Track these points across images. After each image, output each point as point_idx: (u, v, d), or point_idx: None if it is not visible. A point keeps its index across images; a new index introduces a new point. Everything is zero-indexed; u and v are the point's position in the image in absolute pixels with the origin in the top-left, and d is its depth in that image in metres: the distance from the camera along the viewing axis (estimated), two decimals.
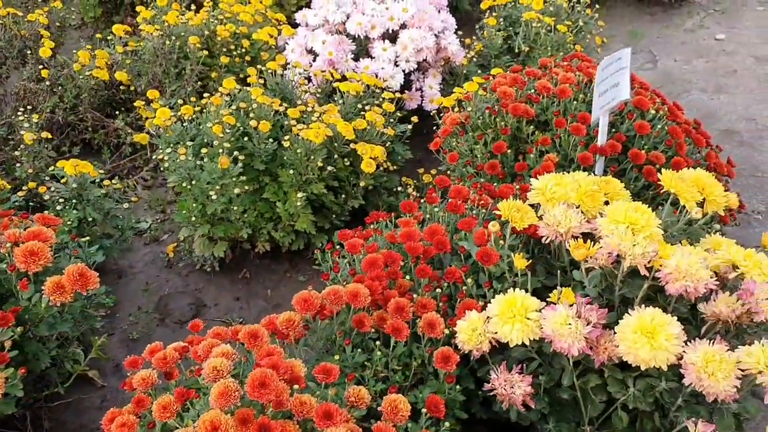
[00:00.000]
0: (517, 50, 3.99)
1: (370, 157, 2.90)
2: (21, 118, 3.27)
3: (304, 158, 2.78)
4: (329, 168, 2.82)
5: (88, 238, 2.48)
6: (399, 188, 3.06)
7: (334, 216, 2.98)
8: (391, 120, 3.20)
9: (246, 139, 2.83)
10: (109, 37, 4.01)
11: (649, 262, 1.77)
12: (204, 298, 3.00)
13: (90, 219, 2.80)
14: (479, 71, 3.88)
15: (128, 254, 3.21)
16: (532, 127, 2.74)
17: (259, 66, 3.28)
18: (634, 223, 1.81)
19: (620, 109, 2.65)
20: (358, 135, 3.01)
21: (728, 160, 2.84)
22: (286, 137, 2.77)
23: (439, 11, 3.80)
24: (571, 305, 1.71)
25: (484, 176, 2.74)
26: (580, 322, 1.67)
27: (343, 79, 3.37)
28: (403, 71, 3.58)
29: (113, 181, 3.14)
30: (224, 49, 3.69)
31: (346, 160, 2.93)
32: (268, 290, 3.00)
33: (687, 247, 1.87)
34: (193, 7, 4.06)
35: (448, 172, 2.98)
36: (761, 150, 3.77)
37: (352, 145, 2.90)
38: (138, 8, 3.86)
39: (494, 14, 4.20)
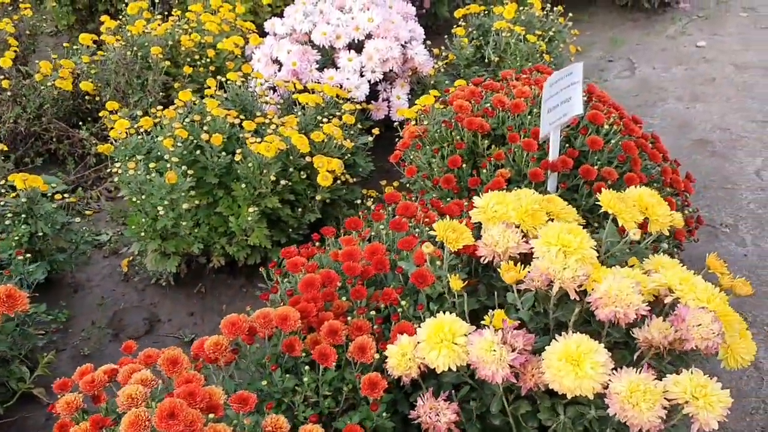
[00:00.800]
0: (487, 60, 3.94)
1: (327, 170, 2.86)
2: None
3: (257, 172, 2.74)
4: (283, 182, 2.78)
5: (29, 255, 2.44)
6: (359, 201, 3.01)
7: (290, 230, 2.93)
8: (352, 132, 3.16)
9: (199, 152, 2.79)
10: (76, 46, 3.98)
11: (580, 286, 1.73)
12: (159, 313, 2.96)
13: (41, 234, 2.76)
14: (448, 81, 3.85)
15: (86, 267, 3.18)
16: (487, 141, 2.70)
17: (219, 77, 3.24)
18: (567, 245, 1.76)
19: (574, 124, 2.61)
20: (317, 147, 2.97)
21: (687, 174, 2.79)
22: (239, 150, 2.73)
23: (406, 21, 3.76)
24: (498, 330, 1.66)
25: (439, 190, 2.70)
26: (505, 348, 1.62)
27: (306, 90, 3.33)
28: (369, 82, 3.53)
29: (71, 194, 3.11)
30: (188, 59, 3.66)
31: (302, 173, 2.89)
32: (224, 305, 2.96)
33: (624, 270, 1.83)
34: (168, 15, 4.04)
35: (408, 185, 2.94)
36: (733, 161, 3.72)
37: (308, 158, 2.86)
38: (103, 18, 3.83)
39: (467, 23, 4.17)
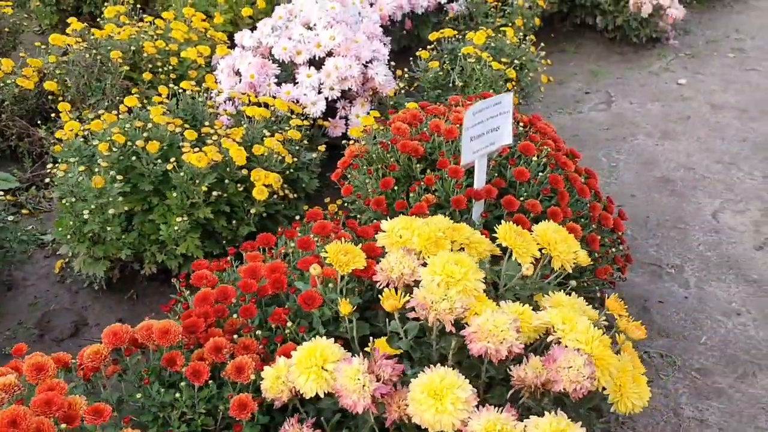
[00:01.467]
0: (452, 84, 3.93)
1: (264, 184, 2.85)
2: None
3: (189, 181, 2.74)
4: (215, 193, 2.76)
5: None
6: (299, 217, 2.99)
7: (224, 242, 2.92)
8: (297, 148, 3.15)
9: (135, 158, 2.78)
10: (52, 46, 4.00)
11: (461, 319, 1.70)
12: (88, 317, 2.95)
13: None
14: (407, 103, 3.83)
15: (25, 266, 3.17)
16: (422, 165, 2.67)
17: (171, 85, 3.24)
18: (451, 276, 1.73)
19: (504, 153, 2.58)
20: (258, 161, 2.96)
21: (619, 213, 2.75)
22: (173, 159, 2.72)
23: (371, 41, 3.76)
24: (367, 359, 1.63)
25: (372, 212, 2.67)
26: (370, 378, 1.59)
27: (258, 103, 3.32)
28: (327, 99, 3.53)
29: (26, 192, 3.11)
30: (150, 66, 3.67)
31: (240, 185, 2.88)
32: (153, 313, 2.94)
33: (511, 306, 1.80)
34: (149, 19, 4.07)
35: (347, 204, 2.92)
36: (691, 201, 3.67)
37: (244, 171, 2.85)
38: (70, 20, 3.85)
39: (439, 47, 4.17)
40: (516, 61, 4.13)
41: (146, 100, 3.32)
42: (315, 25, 3.67)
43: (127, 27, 3.85)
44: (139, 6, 4.92)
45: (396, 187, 2.66)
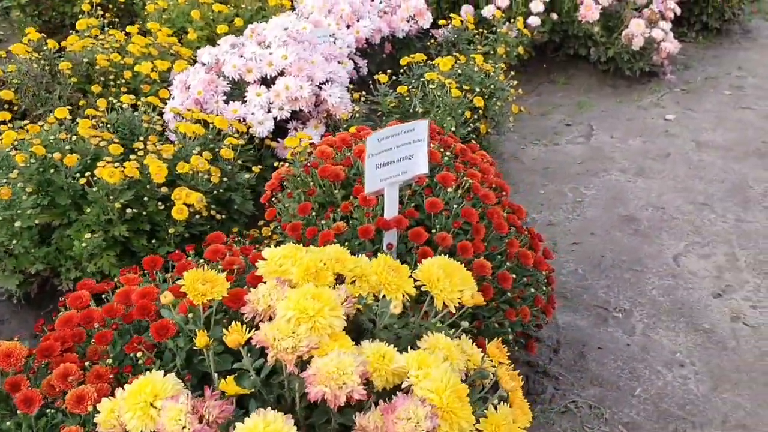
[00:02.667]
0: (412, 110, 3.81)
1: (185, 204, 2.75)
2: None
3: (104, 197, 2.65)
4: (129, 210, 2.67)
5: None
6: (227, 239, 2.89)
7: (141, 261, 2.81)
8: (231, 167, 3.05)
9: (53, 171, 2.71)
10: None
11: (308, 360, 1.57)
12: (3, 330, 2.86)
13: None
14: (369, 127, 3.73)
15: None
16: (344, 191, 2.55)
17: (110, 98, 3.18)
18: (303, 311, 1.60)
19: (421, 183, 2.45)
20: (185, 179, 2.87)
21: (544, 251, 2.59)
22: (87, 174, 2.64)
23: (329, 62, 3.67)
24: (190, 397, 1.50)
25: (289, 238, 2.56)
26: (192, 419, 1.46)
27: (198, 120, 3.24)
28: (275, 118, 3.43)
29: None
30: (102, 78, 3.62)
31: (161, 203, 2.79)
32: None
33: (372, 346, 1.66)
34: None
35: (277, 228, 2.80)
36: (654, 242, 3.49)
37: (164, 189, 2.76)
38: (28, 29, 3.83)
39: (410, 72, 4.07)
40: (484, 90, 4.01)
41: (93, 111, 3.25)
42: (269, 43, 3.59)
43: (86, 39, 3.82)
44: (117, 20, 4.91)
45: (314, 213, 2.54)
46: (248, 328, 1.63)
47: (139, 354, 1.77)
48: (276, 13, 4.88)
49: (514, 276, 2.31)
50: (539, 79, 5.64)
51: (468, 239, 2.31)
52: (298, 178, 2.69)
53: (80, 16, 4.57)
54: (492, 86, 4.00)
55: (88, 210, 2.66)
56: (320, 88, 3.54)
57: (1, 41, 5.10)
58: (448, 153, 2.60)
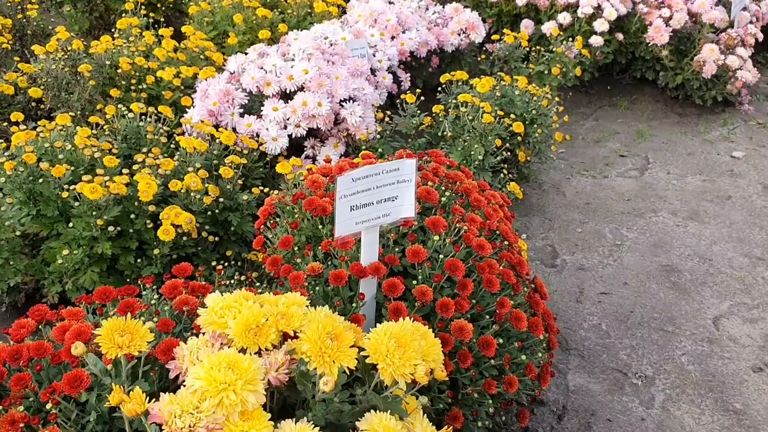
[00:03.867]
0: (441, 134, 3.57)
1: (173, 224, 2.61)
2: None
3: (88, 213, 2.54)
4: (111, 228, 2.55)
5: None
6: (215, 262, 2.74)
7: (129, 280, 2.70)
8: (228, 186, 2.89)
9: (41, 181, 2.62)
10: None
11: None
12: None
13: None
14: (395, 149, 3.51)
15: None
16: (331, 226, 2.35)
17: (120, 105, 3.08)
18: (213, 383, 1.41)
19: (406, 227, 2.21)
20: (180, 197, 2.74)
21: (544, 313, 2.30)
22: (73, 187, 2.54)
23: (355, 78, 3.47)
24: None
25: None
26: None
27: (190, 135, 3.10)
28: (290, 135, 3.26)
29: None
30: (123, 82, 3.54)
31: (150, 221, 2.66)
32: None
33: (295, 427, 1.45)
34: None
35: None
36: (693, 300, 3.13)
37: (152, 208, 2.62)
38: (58, 28, 3.79)
39: (447, 91, 3.83)
40: (525, 115, 3.73)
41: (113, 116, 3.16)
42: (293, 56, 3.43)
43: (118, 40, 3.75)
44: (163, 21, 4.86)
45: (296, 248, 2.35)
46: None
47: (48, 405, 1.62)
48: (322, 20, 4.74)
49: (500, 341, 2.05)
50: (600, 102, 5.28)
51: (450, 295, 2.07)
52: (288, 208, 2.50)
53: (123, 15, 4.54)
54: (534, 111, 3.70)
55: (70, 225, 2.56)
56: (341, 105, 3.35)
57: (50, 35, 5.12)
58: (447, 193, 2.35)
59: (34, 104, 3.73)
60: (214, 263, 2.73)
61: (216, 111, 3.27)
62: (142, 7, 4.68)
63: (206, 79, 3.60)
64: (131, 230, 2.64)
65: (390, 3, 4.92)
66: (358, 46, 4.03)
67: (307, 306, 1.83)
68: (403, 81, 4.44)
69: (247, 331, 1.63)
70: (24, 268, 2.63)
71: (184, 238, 2.67)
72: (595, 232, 3.60)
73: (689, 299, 3.13)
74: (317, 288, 2.13)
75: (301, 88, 3.30)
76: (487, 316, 2.09)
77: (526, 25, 5.17)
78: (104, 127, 3.11)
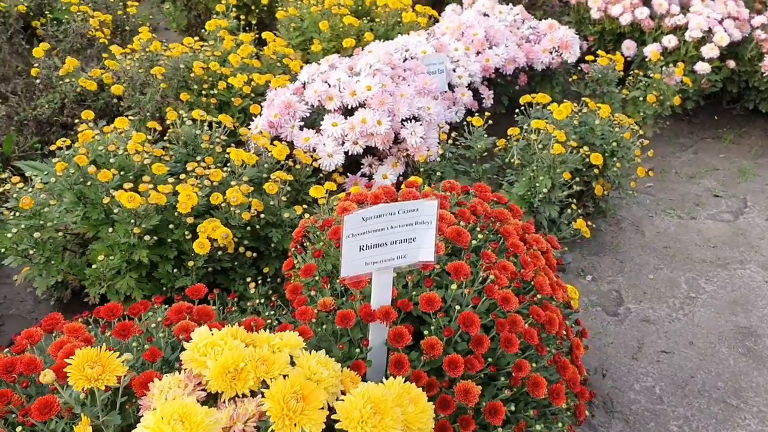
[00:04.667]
0: (508, 161, 3.38)
1: (208, 237, 2.59)
2: None
3: (128, 220, 2.56)
4: (147, 237, 2.56)
5: None
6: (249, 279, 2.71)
7: (164, 288, 2.70)
8: (272, 203, 2.83)
9: (89, 184, 2.67)
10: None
11: None
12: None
13: None
14: (457, 173, 3.36)
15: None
16: None
17: (180, 111, 3.10)
18: None
19: (426, 270, 2.07)
20: (217, 210, 2.72)
21: (576, 380, 2.08)
22: (115, 193, 2.57)
23: (422, 97, 3.34)
24: None
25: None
26: None
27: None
28: (347, 153, 3.18)
29: None
30: (195, 86, 3.58)
31: (189, 233, 2.65)
32: None
33: None
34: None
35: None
36: (765, 370, 2.79)
37: (190, 219, 2.61)
38: (141, 28, 3.89)
39: (526, 113, 3.63)
40: (606, 146, 3.47)
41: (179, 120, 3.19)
42: (359, 71, 3.34)
43: (198, 43, 3.81)
44: (254, 24, 4.92)
45: (317, 278, 2.26)
46: None
47: (18, 429, 1.61)
48: (409, 30, 4.63)
49: (512, 408, 1.88)
50: (702, 133, 4.87)
51: (465, 351, 1.91)
52: (317, 233, 2.42)
53: (214, 16, 4.62)
54: (615, 143, 3.44)
55: (110, 231, 2.59)
56: (403, 124, 3.23)
57: (155, 29, 5.32)
58: (480, 235, 2.19)
59: (115, 101, 3.85)
60: (249, 279, 2.70)
61: (276, 123, 3.23)
62: (234, 9, 4.74)
63: (276, 89, 3.58)
64: (170, 240, 2.64)
65: (485, 15, 4.75)
66: (436, 60, 3.90)
67: (303, 348, 1.75)
68: (485, 98, 4.26)
69: (224, 374, 1.56)
70: (66, 267, 2.69)
71: (219, 253, 2.65)
72: (669, 281, 3.29)
73: (763, 370, 2.79)
74: (326, 326, 2.03)
75: (363, 105, 3.21)
76: (503, 378, 1.92)
77: (628, 46, 4.85)
78: (168, 132, 3.14)
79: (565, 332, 2.31)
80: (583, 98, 3.77)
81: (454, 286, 1.96)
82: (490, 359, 1.93)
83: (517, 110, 3.68)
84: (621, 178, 3.53)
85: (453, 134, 3.55)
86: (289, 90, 3.38)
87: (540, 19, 4.90)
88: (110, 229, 2.60)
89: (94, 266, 2.60)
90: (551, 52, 4.46)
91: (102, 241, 2.68)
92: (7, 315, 2.96)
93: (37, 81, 3.76)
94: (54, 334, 1.96)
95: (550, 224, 3.31)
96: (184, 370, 1.64)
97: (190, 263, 2.62)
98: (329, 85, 3.28)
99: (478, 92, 4.26)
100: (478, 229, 2.24)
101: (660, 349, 2.88)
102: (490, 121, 3.49)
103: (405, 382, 1.86)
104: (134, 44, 3.87)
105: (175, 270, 2.67)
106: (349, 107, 3.24)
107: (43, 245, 2.61)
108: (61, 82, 3.69)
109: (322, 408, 1.49)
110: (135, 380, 1.66)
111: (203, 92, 3.58)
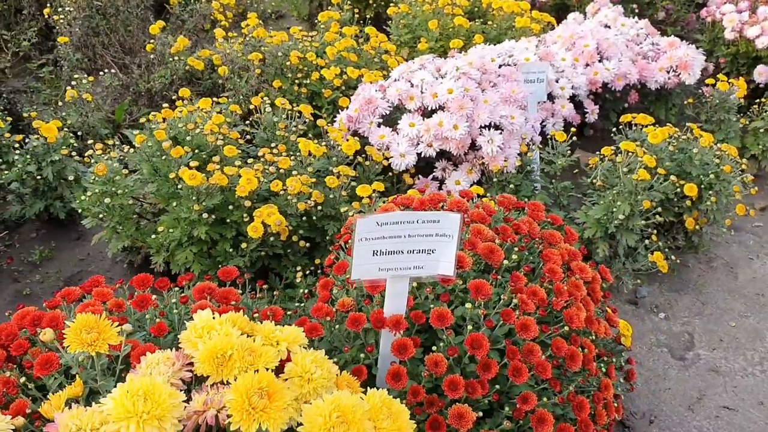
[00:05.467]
0: (590, 181, 3.21)
1: (263, 222, 2.66)
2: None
3: (190, 196, 2.67)
4: (205, 215, 2.66)
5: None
6: (299, 268, 2.75)
7: (220, 265, 2.80)
8: (332, 196, 2.85)
9: (163, 158, 2.81)
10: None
11: None
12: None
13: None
14: (532, 186, 3.24)
15: None
16: None
17: (265, 98, 3.19)
18: (123, 413, 1.38)
19: (447, 284, 2.00)
20: (277, 197, 2.78)
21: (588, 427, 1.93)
22: (181, 170, 2.68)
23: (508, 105, 3.24)
24: None
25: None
26: None
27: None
28: (419, 154, 3.15)
29: None
30: (290, 75, 3.66)
31: (247, 215, 2.73)
32: None
33: None
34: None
35: None
36: None
37: (247, 203, 2.69)
38: (250, 15, 4.02)
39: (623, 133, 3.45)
40: (703, 177, 3.21)
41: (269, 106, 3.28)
42: (445, 73, 3.29)
43: (300, 33, 3.90)
44: (369, 17, 4.96)
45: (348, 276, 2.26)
46: None
47: (8, 374, 1.72)
48: (522, 36, 4.51)
49: None
50: None
51: (469, 374, 1.84)
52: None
53: (329, 8, 4.71)
54: (712, 175, 3.17)
55: (174, 205, 2.71)
56: (481, 131, 3.14)
57: (282, 16, 5.51)
58: (514, 256, 2.09)
59: (221, 83, 4.03)
60: (299, 268, 2.74)
61: (355, 117, 3.25)
62: (351, 2, 4.82)
63: (367, 83, 3.60)
64: (229, 220, 2.73)
65: (606, 27, 4.54)
66: (536, 69, 3.76)
67: (304, 347, 1.75)
68: (589, 113, 4.07)
69: (212, 359, 1.59)
70: (135, 233, 2.84)
71: (272, 239, 2.70)
72: (753, 331, 3.00)
73: None
74: (340, 326, 2.02)
75: (442, 108, 3.16)
76: (507, 408, 1.84)
77: (761, 72, 4.46)
78: (254, 117, 3.25)
79: (604, 369, 2.17)
80: (688, 124, 3.51)
81: (468, 305, 1.89)
82: (497, 386, 1.85)
83: (615, 129, 3.50)
84: (716, 213, 3.26)
85: (546, 148, 3.43)
86: (374, 86, 3.39)
87: (672, 36, 4.60)
88: (174, 203, 2.72)
89: (153, 236, 2.74)
90: (668, 72, 4.18)
91: (169, 213, 2.82)
92: (86, 271, 3.18)
93: (152, 57, 4.00)
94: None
95: (627, 253, 3.11)
96: (180, 349, 1.70)
97: (244, 245, 2.70)
98: (412, 85, 3.25)
99: (582, 105, 4.08)
100: (517, 249, 2.14)
101: (723, 404, 2.63)
102: (590, 137, 3.33)
103: (402, 395, 1.84)
104: (244, 29, 4.03)
105: (231, 250, 2.76)
106: (429, 109, 3.20)
107: (113, 211, 2.77)
108: (171, 59, 3.90)
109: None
110: (135, 351, 1.73)
111: (296, 81, 3.66)
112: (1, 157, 3.14)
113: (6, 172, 3.07)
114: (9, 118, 3.28)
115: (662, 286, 3.25)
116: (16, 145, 3.11)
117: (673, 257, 3.22)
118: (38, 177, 3.10)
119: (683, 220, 3.29)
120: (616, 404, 2.19)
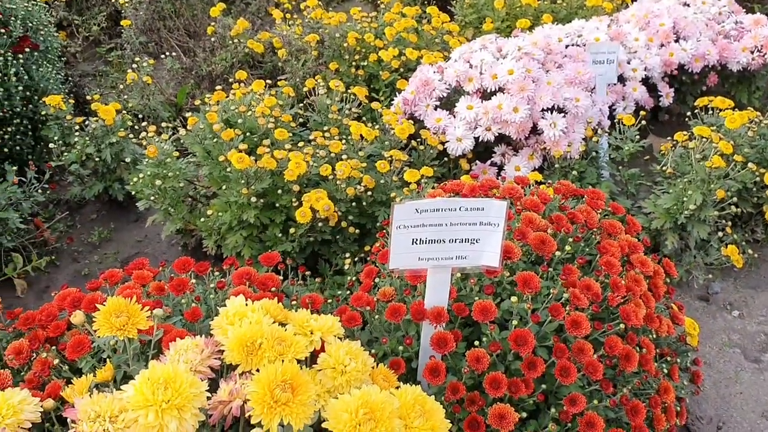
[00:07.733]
0: (660, 168, 3.01)
1: (311, 207, 2.60)
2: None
3: (239, 180, 2.64)
4: (254, 199, 2.62)
5: None
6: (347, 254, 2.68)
7: (269, 249, 2.76)
8: (383, 181, 2.76)
9: (215, 141, 2.79)
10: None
11: None
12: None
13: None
14: (602, 175, 3.07)
15: None
16: None
17: (319, 79, 3.12)
18: (141, 400, 1.35)
19: (492, 275, 1.88)
20: (326, 182, 2.71)
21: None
22: (230, 153, 2.65)
23: (572, 87, 3.07)
24: None
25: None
26: None
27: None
28: (476, 138, 3.02)
29: None
30: (347, 57, 3.59)
31: (296, 200, 2.68)
32: None
33: None
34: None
35: None
36: None
37: (295, 188, 2.63)
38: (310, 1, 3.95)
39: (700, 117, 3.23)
40: None
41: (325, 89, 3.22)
42: (506, 54, 3.14)
43: (337, 15, 3.80)
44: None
45: None
46: None
47: (56, 361, 1.72)
48: (593, 14, 4.30)
49: None
50: None
51: (514, 372, 1.73)
52: None
53: None
54: None
55: (224, 188, 2.69)
56: (543, 115, 2.99)
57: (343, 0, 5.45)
58: (567, 247, 1.95)
59: (281, 65, 3.99)
60: (347, 255, 2.67)
61: (411, 100, 3.15)
62: None
63: (426, 65, 3.49)
64: (278, 204, 2.68)
65: (685, 5, 4.27)
66: (606, 49, 3.55)
67: (340, 337, 1.68)
68: (663, 96, 3.83)
69: (241, 347, 1.53)
70: (188, 216, 2.84)
71: (321, 224, 2.64)
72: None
73: None
74: (379, 316, 1.94)
75: (502, 89, 3.02)
76: (553, 410, 1.72)
77: None
78: (308, 99, 3.20)
79: (666, 370, 2.02)
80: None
81: (514, 299, 1.77)
82: (544, 386, 1.73)
83: (690, 113, 3.28)
84: None
85: (614, 132, 3.24)
86: (432, 68, 3.28)
87: (759, 14, 4.28)
88: (225, 187, 2.69)
89: (202, 219, 2.72)
90: (752, 52, 3.88)
91: (219, 197, 2.80)
92: (143, 253, 3.21)
93: (212, 39, 3.99)
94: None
95: (699, 246, 2.91)
96: (211, 335, 1.65)
97: (292, 230, 2.65)
98: (471, 66, 3.12)
99: (656, 88, 3.84)
100: (572, 240, 2.01)
101: None
102: (665, 122, 3.13)
103: (441, 391, 1.74)
104: (303, 11, 3.98)
105: (281, 235, 2.71)
106: (488, 91, 3.06)
107: (165, 193, 2.77)
108: (231, 42, 3.88)
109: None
110: (167, 336, 1.70)
111: (354, 63, 3.58)
112: (64, 139, 3.19)
113: (67, 153, 3.12)
114: (72, 101, 3.32)
115: (737, 281, 3.02)
116: (77, 127, 3.15)
117: (750, 251, 2.99)
118: (97, 159, 3.13)
119: (763, 212, 3.05)
120: (678, 408, 2.03)
